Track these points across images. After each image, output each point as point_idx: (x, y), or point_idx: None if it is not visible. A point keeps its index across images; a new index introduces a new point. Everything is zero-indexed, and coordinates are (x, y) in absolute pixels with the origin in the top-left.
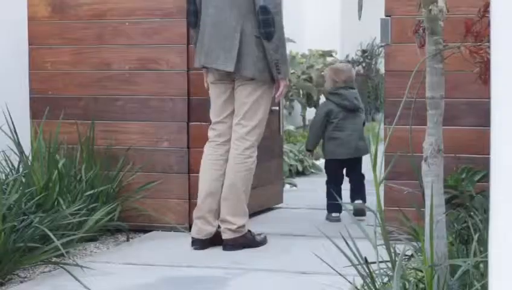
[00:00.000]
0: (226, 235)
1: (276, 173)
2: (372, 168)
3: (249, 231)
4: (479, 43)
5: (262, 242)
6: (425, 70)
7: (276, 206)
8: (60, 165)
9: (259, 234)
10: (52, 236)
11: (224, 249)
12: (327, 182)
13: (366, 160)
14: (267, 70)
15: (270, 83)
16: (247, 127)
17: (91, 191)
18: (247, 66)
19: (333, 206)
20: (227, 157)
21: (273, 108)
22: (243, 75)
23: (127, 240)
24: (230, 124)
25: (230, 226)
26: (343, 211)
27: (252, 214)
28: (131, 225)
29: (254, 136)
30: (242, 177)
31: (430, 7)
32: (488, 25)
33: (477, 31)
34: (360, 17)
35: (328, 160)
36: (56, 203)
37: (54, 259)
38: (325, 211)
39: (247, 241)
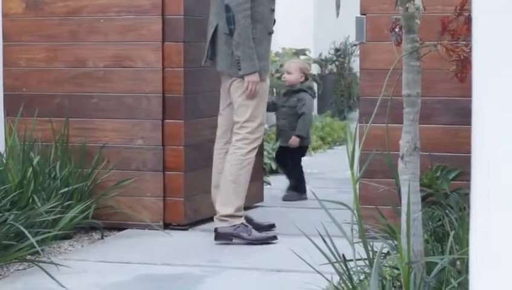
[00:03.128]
0: (215, 224)
1: (254, 172)
2: (349, 167)
3: (245, 225)
4: (455, 41)
5: (258, 240)
6: (402, 68)
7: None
8: (34, 162)
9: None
10: (27, 233)
11: (215, 238)
12: (299, 167)
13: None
14: (236, 66)
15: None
16: (239, 123)
17: (66, 189)
18: (218, 61)
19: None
20: (227, 149)
21: None
22: (217, 70)
23: (102, 237)
24: (227, 116)
25: (217, 214)
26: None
27: None
28: (105, 223)
29: (245, 129)
30: (231, 167)
31: (407, 5)
32: (464, 23)
33: (453, 29)
34: (338, 14)
35: (303, 147)
36: (31, 200)
37: (28, 257)
38: (299, 209)
39: (236, 234)
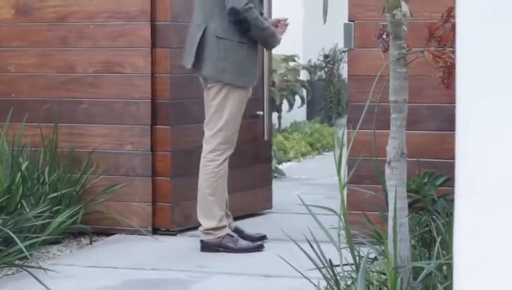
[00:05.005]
0: (200, 236)
1: (262, 178)
2: (336, 172)
3: (230, 235)
4: (442, 48)
5: (244, 249)
6: (389, 74)
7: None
8: (23, 167)
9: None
10: (15, 238)
11: (201, 249)
12: None
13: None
14: (228, 72)
15: (234, 85)
16: (212, 130)
17: (54, 194)
18: (207, 65)
19: None
20: None
21: (258, 112)
22: (202, 74)
23: (90, 243)
24: None
25: (200, 227)
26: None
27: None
28: (94, 228)
29: (218, 139)
30: (206, 181)
31: (394, 12)
32: (451, 29)
33: (440, 36)
34: (325, 21)
35: None
36: (19, 205)
37: (17, 262)
38: (286, 215)
39: (223, 245)
